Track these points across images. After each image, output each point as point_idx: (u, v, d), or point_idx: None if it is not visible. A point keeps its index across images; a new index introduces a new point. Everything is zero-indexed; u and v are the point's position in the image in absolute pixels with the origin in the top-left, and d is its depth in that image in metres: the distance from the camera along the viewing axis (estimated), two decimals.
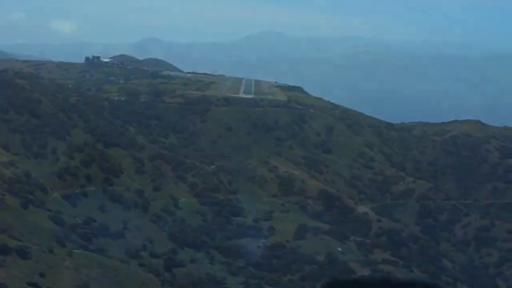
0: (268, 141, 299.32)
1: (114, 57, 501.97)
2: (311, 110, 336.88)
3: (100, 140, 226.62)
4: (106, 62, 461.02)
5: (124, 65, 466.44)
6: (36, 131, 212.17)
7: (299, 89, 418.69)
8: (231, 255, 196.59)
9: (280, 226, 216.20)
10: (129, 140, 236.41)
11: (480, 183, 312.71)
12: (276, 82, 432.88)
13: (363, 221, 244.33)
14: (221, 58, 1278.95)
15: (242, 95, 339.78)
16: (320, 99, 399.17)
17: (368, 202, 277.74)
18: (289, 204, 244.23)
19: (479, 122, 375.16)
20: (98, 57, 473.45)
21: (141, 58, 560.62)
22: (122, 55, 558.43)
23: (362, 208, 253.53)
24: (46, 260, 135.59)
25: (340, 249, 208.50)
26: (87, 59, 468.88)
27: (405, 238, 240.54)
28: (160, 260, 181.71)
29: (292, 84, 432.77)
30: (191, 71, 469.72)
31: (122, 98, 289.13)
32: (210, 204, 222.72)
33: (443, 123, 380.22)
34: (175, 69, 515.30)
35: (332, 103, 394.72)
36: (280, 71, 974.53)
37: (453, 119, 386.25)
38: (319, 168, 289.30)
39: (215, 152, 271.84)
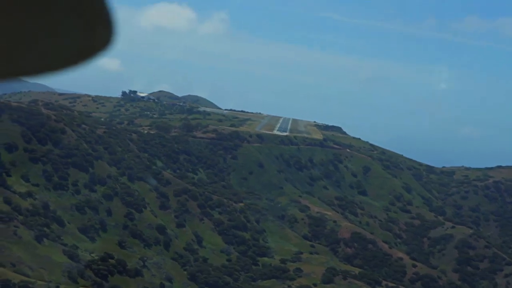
0: (300, 180, 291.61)
1: (152, 93, 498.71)
2: (348, 150, 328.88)
3: (124, 173, 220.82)
4: (143, 97, 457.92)
5: (160, 100, 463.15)
6: (58, 161, 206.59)
7: (337, 128, 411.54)
8: None
9: (308, 268, 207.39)
10: (155, 174, 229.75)
11: None
12: (315, 121, 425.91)
13: (397, 266, 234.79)
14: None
15: (276, 132, 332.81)
16: (358, 139, 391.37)
17: (404, 247, 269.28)
18: (319, 246, 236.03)
19: None
20: (135, 92, 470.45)
21: (180, 95, 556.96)
22: (160, 91, 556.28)
23: (397, 253, 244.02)
24: None
25: None
26: (123, 93, 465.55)
27: (442, 286, 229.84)
28: None
29: (331, 124, 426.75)
30: (230, 108, 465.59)
31: (152, 132, 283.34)
32: (236, 243, 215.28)
33: (486, 168, 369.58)
34: (213, 105, 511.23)
35: (370, 144, 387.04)
36: None
37: (496, 165, 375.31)
38: (353, 210, 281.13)
39: (245, 189, 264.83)
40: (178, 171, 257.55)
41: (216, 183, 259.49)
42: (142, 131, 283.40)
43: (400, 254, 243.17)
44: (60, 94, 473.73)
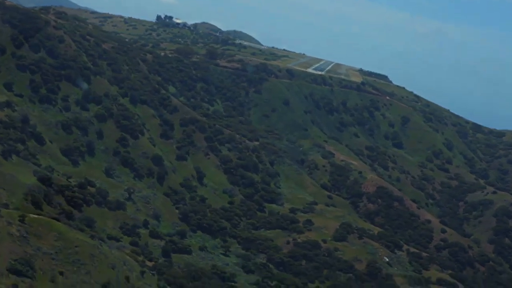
0: (329, 124, 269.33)
1: (194, 23, 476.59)
2: (387, 97, 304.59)
3: (127, 94, 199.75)
4: (178, 24, 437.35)
5: (196, 29, 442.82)
6: (49, 72, 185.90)
7: (383, 77, 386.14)
8: (252, 247, 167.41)
9: (321, 222, 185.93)
10: (162, 99, 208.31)
11: None
12: (360, 68, 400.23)
13: (423, 229, 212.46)
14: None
15: (310, 70, 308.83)
16: (403, 88, 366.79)
17: (436, 209, 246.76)
18: (338, 198, 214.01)
19: None
20: (171, 17, 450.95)
21: (224, 29, 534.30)
22: (203, 22, 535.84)
23: (425, 214, 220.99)
24: None
25: (387, 259, 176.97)
26: (158, 17, 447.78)
27: (473, 257, 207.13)
28: (161, 242, 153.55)
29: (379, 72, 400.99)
30: (274, 46, 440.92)
31: (170, 55, 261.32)
32: (242, 184, 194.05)
33: None
34: (256, 42, 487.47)
35: (415, 94, 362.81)
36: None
37: None
38: (384, 163, 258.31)
39: (265, 127, 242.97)
40: (192, 99, 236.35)
41: (233, 117, 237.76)
42: (158, 52, 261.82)
43: (429, 216, 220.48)
44: (92, 13, 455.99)
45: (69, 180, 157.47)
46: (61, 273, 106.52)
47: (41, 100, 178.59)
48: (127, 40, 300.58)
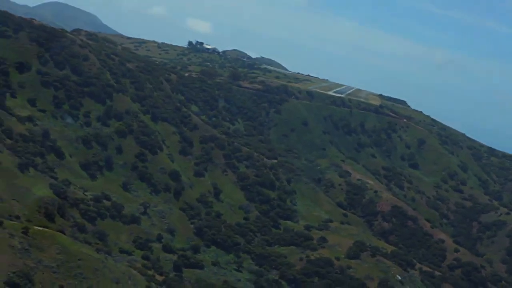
0: (347, 145, 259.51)
1: (225, 50, 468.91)
2: (404, 120, 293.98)
3: (148, 111, 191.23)
4: (208, 49, 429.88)
5: (225, 54, 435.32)
6: (73, 89, 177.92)
7: (402, 102, 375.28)
8: (265, 264, 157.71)
9: (335, 239, 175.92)
10: (183, 117, 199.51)
11: None
12: (381, 94, 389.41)
13: (437, 248, 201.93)
14: None
15: (330, 93, 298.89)
16: (420, 112, 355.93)
17: (450, 229, 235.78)
18: (353, 216, 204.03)
19: None
20: (202, 43, 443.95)
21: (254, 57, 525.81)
22: (234, 50, 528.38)
23: (439, 234, 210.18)
24: None
25: (399, 277, 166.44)
26: (189, 43, 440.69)
27: (485, 277, 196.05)
28: (173, 256, 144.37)
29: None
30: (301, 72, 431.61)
31: (194, 75, 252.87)
32: (258, 201, 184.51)
33: None
34: (282, 67, 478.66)
35: (432, 119, 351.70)
36: None
37: None
38: (400, 183, 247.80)
39: (284, 146, 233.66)
40: (214, 118, 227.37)
41: (252, 136, 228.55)
42: (182, 73, 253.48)
43: (443, 236, 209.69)
44: (128, 38, 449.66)
45: (85, 193, 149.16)
46: (62, 287, 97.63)
47: (63, 116, 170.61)
48: (157, 63, 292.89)
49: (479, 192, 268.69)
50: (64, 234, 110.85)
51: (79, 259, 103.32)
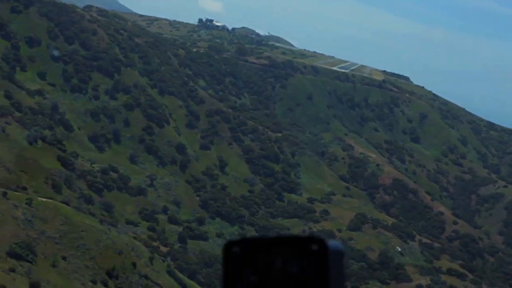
0: (350, 119, 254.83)
1: (234, 28, 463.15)
2: (407, 95, 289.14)
3: (156, 85, 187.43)
4: (217, 26, 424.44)
5: (234, 31, 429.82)
6: (82, 63, 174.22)
7: (405, 77, 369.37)
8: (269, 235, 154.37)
9: (337, 212, 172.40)
10: (190, 91, 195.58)
11: None
12: (384, 70, 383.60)
13: (436, 220, 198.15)
14: None
15: (335, 68, 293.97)
16: (422, 87, 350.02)
17: (449, 201, 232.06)
18: (355, 189, 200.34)
19: None
20: (211, 21, 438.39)
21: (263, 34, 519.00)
22: (243, 27, 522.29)
23: (439, 206, 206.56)
24: None
25: (399, 249, 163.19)
26: (199, 20, 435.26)
27: (483, 248, 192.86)
28: (179, 228, 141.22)
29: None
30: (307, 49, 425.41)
31: (202, 51, 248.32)
32: (263, 174, 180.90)
33: None
34: (290, 45, 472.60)
35: (433, 94, 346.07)
36: None
37: None
38: (401, 156, 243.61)
39: (289, 120, 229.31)
40: (220, 93, 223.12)
41: (258, 110, 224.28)
42: (191, 49, 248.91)
43: (442, 209, 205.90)
44: (140, 16, 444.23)
45: (93, 165, 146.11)
46: (64, 258, 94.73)
47: (72, 89, 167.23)
48: (167, 39, 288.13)
49: (478, 165, 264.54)
50: (68, 205, 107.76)
51: (82, 230, 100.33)
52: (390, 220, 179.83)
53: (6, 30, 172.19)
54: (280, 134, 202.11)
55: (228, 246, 1.95)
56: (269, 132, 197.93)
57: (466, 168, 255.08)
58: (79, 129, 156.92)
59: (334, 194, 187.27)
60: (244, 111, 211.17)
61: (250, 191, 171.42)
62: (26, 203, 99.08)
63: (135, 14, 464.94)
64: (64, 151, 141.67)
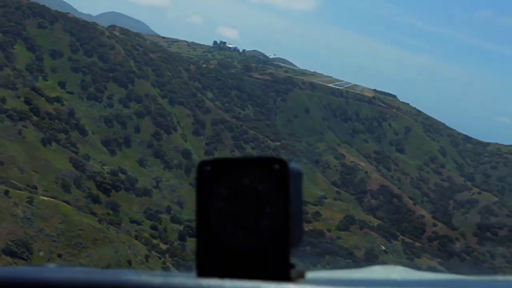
0: (343, 131, 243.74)
1: (245, 50, 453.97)
2: (394, 110, 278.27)
3: (166, 96, 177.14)
4: (230, 48, 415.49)
5: (244, 53, 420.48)
6: (99, 74, 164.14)
7: (392, 95, 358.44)
8: None
9: (328, 214, 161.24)
10: (197, 102, 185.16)
11: None
12: (375, 89, 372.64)
13: (418, 222, 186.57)
14: None
15: (330, 85, 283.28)
16: (407, 104, 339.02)
17: (429, 206, 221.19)
18: (345, 194, 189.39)
19: None
20: (225, 43, 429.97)
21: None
22: (254, 50, 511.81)
23: (420, 210, 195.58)
24: None
25: (383, 248, 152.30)
26: (214, 42, 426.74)
27: (459, 248, 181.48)
28: (180, 226, 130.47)
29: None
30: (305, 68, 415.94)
31: (211, 66, 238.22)
32: None
33: None
34: (293, 65, 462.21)
35: (417, 110, 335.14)
36: None
37: None
38: (388, 165, 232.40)
39: (287, 131, 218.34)
40: (226, 104, 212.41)
41: (260, 121, 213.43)
42: (200, 64, 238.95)
43: (423, 212, 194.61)
44: (163, 38, 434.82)
45: (103, 167, 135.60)
46: (60, 256, 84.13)
47: (89, 97, 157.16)
48: (183, 56, 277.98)
49: (455, 174, 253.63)
50: (70, 204, 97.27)
51: (80, 229, 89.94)
52: (376, 222, 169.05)
53: (32, 43, 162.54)
54: (279, 143, 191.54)
55: (201, 165, 1.93)
56: (269, 141, 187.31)
57: (445, 176, 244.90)
58: (93, 133, 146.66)
59: (326, 198, 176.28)
60: (247, 121, 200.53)
61: None
62: (27, 201, 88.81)
63: (158, 35, 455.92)
64: (76, 153, 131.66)
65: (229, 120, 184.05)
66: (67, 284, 1.61)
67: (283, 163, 1.66)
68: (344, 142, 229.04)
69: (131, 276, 1.66)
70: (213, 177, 1.75)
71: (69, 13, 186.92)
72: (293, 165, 1.70)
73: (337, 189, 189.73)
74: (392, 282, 2.03)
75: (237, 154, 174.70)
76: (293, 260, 2.11)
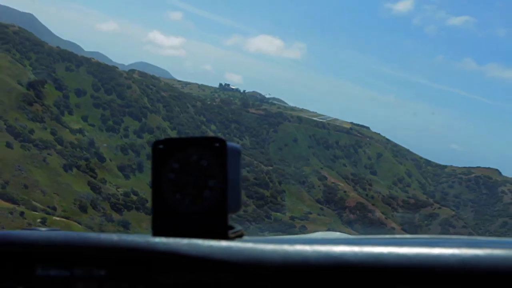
0: (325, 156, 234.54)
1: (245, 91, 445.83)
2: (367, 139, 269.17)
3: (175, 128, 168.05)
4: (232, 88, 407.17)
5: (244, 92, 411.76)
6: (117, 109, 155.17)
7: (366, 127, 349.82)
8: None
9: (312, 227, 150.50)
10: (202, 133, 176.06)
11: (493, 217, 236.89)
12: (352, 122, 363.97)
13: (389, 233, 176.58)
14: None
15: (315, 119, 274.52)
16: (378, 134, 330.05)
17: (398, 219, 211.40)
18: (328, 210, 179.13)
19: (497, 170, 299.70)
20: (228, 85, 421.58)
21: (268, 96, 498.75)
22: (253, 91, 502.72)
23: (391, 223, 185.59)
24: (6, 221, 76.54)
25: None
26: (220, 84, 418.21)
27: None
28: None
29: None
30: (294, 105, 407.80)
31: (214, 103, 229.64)
32: (255, 197, 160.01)
33: (469, 167, 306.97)
34: (285, 103, 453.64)
35: (387, 139, 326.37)
36: None
37: (477, 166, 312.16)
38: (363, 185, 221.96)
39: (278, 157, 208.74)
40: (227, 135, 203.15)
41: (255, 149, 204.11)
42: (207, 101, 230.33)
43: (393, 224, 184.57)
44: (178, 81, 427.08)
45: (118, 190, 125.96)
46: None
47: (107, 129, 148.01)
48: (192, 95, 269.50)
49: (419, 192, 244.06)
50: (80, 224, 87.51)
51: None
52: (354, 233, 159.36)
53: (60, 83, 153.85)
54: (270, 167, 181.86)
55: (155, 144, 1.93)
56: (262, 166, 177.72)
57: (410, 194, 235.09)
58: (110, 160, 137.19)
59: (311, 213, 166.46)
60: (244, 149, 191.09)
61: (244, 211, 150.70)
62: (40, 222, 79.27)
63: (174, 79, 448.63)
64: (94, 177, 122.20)
65: None
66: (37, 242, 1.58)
67: (222, 142, 1.66)
68: (326, 166, 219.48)
69: (92, 235, 1.62)
70: (165, 154, 1.73)
71: (93, 58, 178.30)
72: (230, 144, 1.69)
73: (320, 205, 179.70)
74: (325, 241, 1.95)
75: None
76: (234, 223, 1.80)
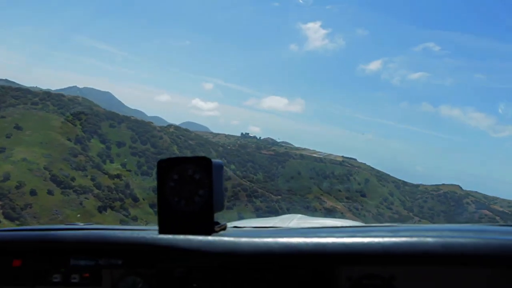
0: (324, 185, 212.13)
1: (260, 137, 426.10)
2: (357, 168, 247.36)
3: None
4: (251, 136, 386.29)
5: (260, 138, 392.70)
6: (150, 156, 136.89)
7: (354, 159, 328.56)
8: None
9: None
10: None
11: (463, 223, 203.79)
12: (343, 155, 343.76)
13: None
14: None
15: (314, 155, 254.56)
16: (365, 163, 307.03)
17: None
18: None
19: (459, 185, 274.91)
20: (248, 133, 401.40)
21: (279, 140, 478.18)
22: (267, 137, 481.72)
23: None
24: None
25: None
26: (241, 134, 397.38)
27: None
28: None
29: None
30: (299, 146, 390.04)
31: (233, 148, 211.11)
32: None
33: (437, 184, 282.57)
34: (291, 145, 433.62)
35: (371, 167, 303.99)
36: None
37: (442, 183, 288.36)
38: (356, 206, 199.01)
39: (286, 188, 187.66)
40: (244, 172, 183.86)
41: (267, 182, 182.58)
42: (226, 145, 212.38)
43: None
44: (210, 133, 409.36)
45: (147, 224, 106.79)
46: None
47: (142, 174, 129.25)
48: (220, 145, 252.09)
49: (401, 208, 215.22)
50: None
51: None
52: None
53: (103, 138, 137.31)
54: (279, 197, 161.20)
55: (160, 162, 1.94)
56: (272, 196, 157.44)
57: (394, 210, 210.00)
58: (143, 199, 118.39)
59: None
60: (257, 183, 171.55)
61: None
62: None
63: (210, 132, 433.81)
64: (127, 216, 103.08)
65: (244, 183, 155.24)
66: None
67: (209, 160, 1.72)
68: (325, 193, 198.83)
69: (111, 234, 1.66)
70: (168, 169, 1.86)
71: (132, 116, 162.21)
72: (215, 160, 1.75)
73: None
74: (297, 231, 1.90)
75: (249, 206, 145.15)
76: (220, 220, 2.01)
